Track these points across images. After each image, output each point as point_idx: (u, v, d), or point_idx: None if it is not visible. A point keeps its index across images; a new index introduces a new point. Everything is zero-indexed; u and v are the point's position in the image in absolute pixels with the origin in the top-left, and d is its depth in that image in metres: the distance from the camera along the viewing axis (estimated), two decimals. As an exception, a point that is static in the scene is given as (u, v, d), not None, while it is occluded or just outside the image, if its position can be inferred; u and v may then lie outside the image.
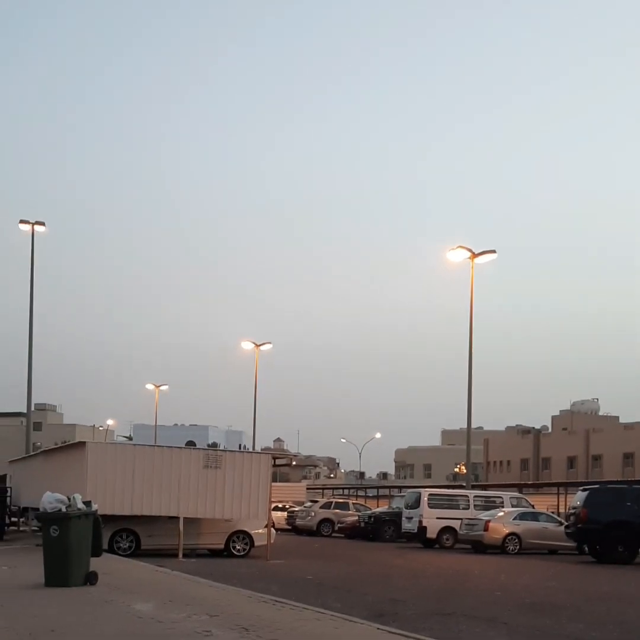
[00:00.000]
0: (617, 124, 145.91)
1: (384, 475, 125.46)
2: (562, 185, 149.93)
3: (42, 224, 40.09)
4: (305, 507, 45.87)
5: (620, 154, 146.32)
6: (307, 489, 60.85)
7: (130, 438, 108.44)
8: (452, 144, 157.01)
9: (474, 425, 40.85)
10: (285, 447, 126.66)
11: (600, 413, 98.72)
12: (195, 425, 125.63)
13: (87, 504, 14.19)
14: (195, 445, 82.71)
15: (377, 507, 47.35)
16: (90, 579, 13.68)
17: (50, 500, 13.94)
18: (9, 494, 29.72)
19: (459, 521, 32.05)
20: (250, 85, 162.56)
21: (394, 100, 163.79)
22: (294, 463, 54.91)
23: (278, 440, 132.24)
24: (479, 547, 30.45)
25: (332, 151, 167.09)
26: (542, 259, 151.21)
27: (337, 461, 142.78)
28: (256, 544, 24.66)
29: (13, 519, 31.66)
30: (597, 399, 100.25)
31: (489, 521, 30.55)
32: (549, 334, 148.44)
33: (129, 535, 23.10)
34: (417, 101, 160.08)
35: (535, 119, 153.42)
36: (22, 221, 40.07)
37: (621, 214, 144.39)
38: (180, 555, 22.14)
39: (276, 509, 41.83)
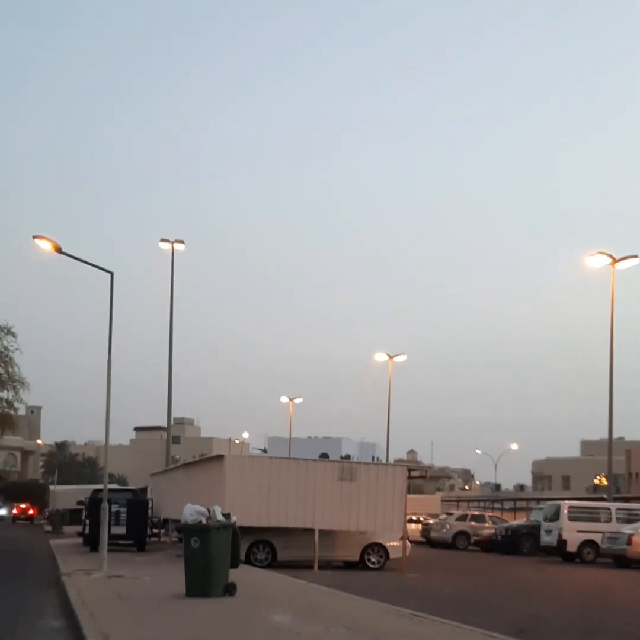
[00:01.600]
0: None
1: (521, 487, 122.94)
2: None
3: (182, 242, 41.16)
4: (440, 519, 45.38)
5: None
6: (442, 501, 60.20)
7: (265, 451, 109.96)
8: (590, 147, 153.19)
9: (615, 435, 39.57)
10: (418, 459, 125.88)
11: None
12: (329, 437, 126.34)
13: (226, 516, 14.43)
14: (329, 457, 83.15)
15: (514, 519, 46.40)
16: (230, 589, 13.90)
17: (191, 512, 14.24)
18: (150, 505, 30.57)
19: (601, 534, 31.07)
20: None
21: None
22: (428, 475, 54.42)
23: (411, 452, 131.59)
24: (622, 561, 29.43)
25: (444, 165, 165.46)
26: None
27: (472, 473, 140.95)
28: (391, 556, 24.55)
29: (154, 530, 32.51)
30: None
31: (632, 535, 29.49)
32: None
33: (266, 546, 23.39)
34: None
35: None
36: (162, 240, 41.17)
37: None
38: (316, 567, 22.26)
39: (410, 521, 41.55)
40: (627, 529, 30.35)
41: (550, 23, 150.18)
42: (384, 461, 58.92)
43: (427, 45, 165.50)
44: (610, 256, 37.39)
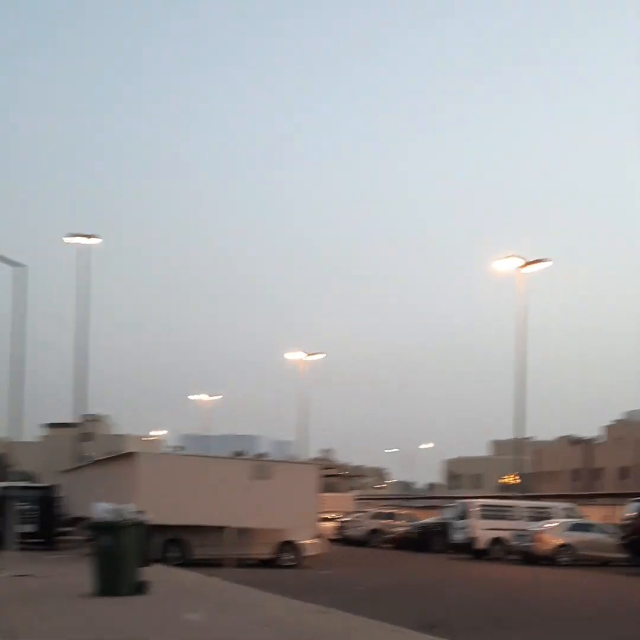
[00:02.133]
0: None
1: (433, 486, 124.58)
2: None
3: (93, 237, 40.32)
4: (354, 517, 45.68)
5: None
6: (356, 499, 60.54)
7: (179, 448, 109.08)
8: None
9: (524, 435, 40.42)
10: (333, 458, 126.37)
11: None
12: (244, 435, 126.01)
13: (138, 513, 14.28)
14: (244, 455, 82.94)
15: (427, 517, 47.00)
16: (141, 588, 13.75)
17: (102, 509, 14.06)
18: (60, 503, 30.02)
19: (510, 532, 31.69)
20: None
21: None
22: (342, 473, 54.73)
23: (326, 450, 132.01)
24: (530, 558, 30.07)
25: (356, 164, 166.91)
26: (598, 267, 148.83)
27: (386, 471, 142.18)
28: (305, 554, 24.61)
29: (65, 529, 31.94)
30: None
31: (539, 532, 30.17)
32: (604, 343, 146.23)
33: (180, 545, 23.20)
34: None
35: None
36: (72, 234, 40.30)
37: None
38: (230, 565, 22.19)
39: (325, 519, 41.74)
40: (534, 526, 31.03)
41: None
42: (298, 459, 59.00)
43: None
44: (522, 258, 38.19)
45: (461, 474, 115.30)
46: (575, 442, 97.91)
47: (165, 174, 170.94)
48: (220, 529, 22.75)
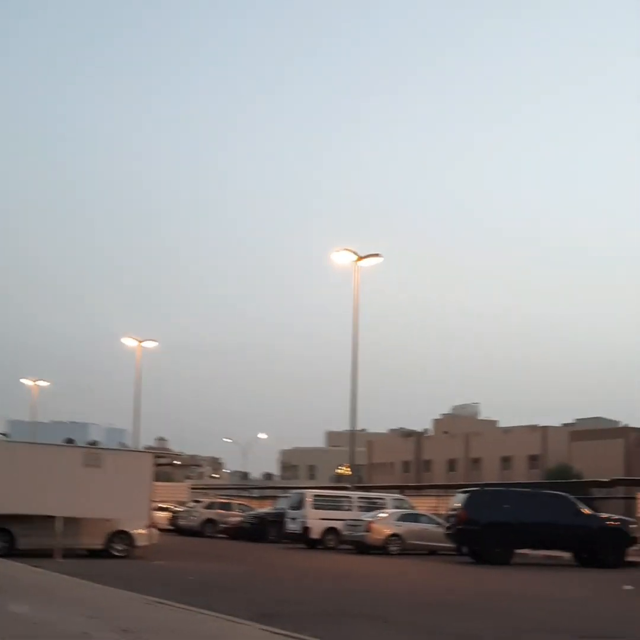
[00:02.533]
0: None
1: (269, 476, 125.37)
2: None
3: None
4: (188, 507, 45.29)
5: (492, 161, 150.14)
6: (191, 489, 60.11)
7: (5, 435, 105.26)
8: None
9: (358, 427, 41.15)
10: (168, 446, 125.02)
11: (480, 417, 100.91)
12: (75, 422, 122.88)
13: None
14: (74, 442, 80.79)
15: (262, 507, 47.17)
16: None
17: None
18: None
19: (343, 522, 32.19)
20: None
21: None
22: (177, 462, 54.22)
23: (161, 439, 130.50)
24: (362, 547, 30.66)
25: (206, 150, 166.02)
26: (430, 263, 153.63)
27: (221, 461, 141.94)
28: (138, 544, 24.15)
29: None
30: (478, 403, 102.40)
31: (371, 522, 30.79)
32: (433, 339, 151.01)
33: (4, 534, 22.33)
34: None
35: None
36: None
37: (511, 212, 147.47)
38: (58, 555, 21.51)
39: (159, 508, 41.20)
40: (367, 516, 31.65)
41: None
42: (132, 448, 57.97)
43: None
44: (355, 253, 38.87)
45: (297, 465, 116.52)
46: (406, 434, 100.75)
47: None
48: (49, 518, 22.02)
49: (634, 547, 28.21)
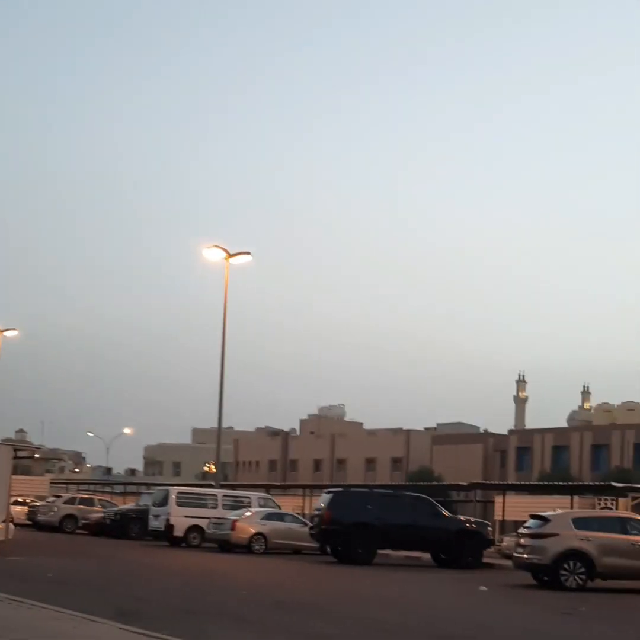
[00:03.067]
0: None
1: (132, 472, 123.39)
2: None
3: None
4: (47, 502, 44.11)
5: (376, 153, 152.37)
6: (51, 483, 58.54)
7: None
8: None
9: (224, 424, 41.01)
10: (28, 439, 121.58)
11: (346, 419, 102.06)
12: None
13: None
14: None
15: (125, 504, 46.40)
16: None
17: None
18: None
19: (207, 520, 32.00)
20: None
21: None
22: (36, 455, 52.60)
23: (20, 431, 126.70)
24: (226, 546, 30.53)
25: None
26: (302, 264, 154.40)
27: (83, 455, 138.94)
28: (-7, 539, 23.34)
29: None
30: (344, 404, 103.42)
31: (236, 521, 30.69)
32: (302, 340, 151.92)
33: None
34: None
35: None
36: None
37: (382, 211, 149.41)
38: None
39: (16, 503, 39.99)
40: (231, 515, 31.55)
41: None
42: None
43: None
44: (225, 250, 38.82)
45: (161, 461, 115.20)
46: (273, 434, 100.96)
47: None
48: None
49: (491, 549, 29.13)
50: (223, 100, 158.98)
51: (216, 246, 39.10)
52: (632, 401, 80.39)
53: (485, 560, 27.72)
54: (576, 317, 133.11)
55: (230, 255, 38.70)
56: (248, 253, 39.18)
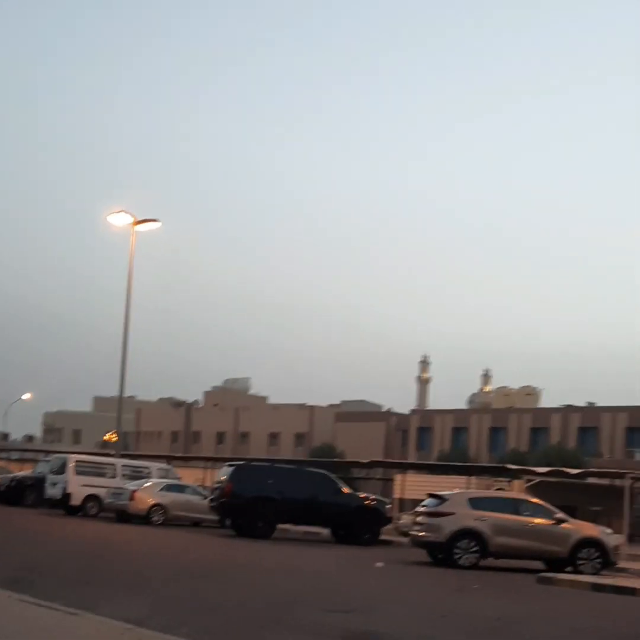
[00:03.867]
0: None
1: (30, 439, 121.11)
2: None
3: None
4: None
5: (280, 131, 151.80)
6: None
7: None
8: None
9: (126, 393, 40.52)
10: None
11: (251, 392, 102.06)
12: None
13: None
14: None
15: (21, 471, 45.49)
16: None
17: None
18: None
19: (106, 489, 31.61)
20: None
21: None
22: None
23: None
24: (124, 516, 30.25)
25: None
26: (211, 233, 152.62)
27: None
28: None
29: None
30: (249, 378, 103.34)
31: (135, 491, 30.41)
32: (208, 311, 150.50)
33: None
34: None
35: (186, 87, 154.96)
36: None
37: (294, 181, 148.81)
38: None
39: None
40: (131, 485, 31.24)
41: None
42: None
43: None
44: (133, 216, 38.22)
45: (61, 428, 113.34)
46: (176, 404, 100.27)
47: None
48: None
49: (389, 527, 29.55)
50: (137, 57, 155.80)
51: (123, 211, 38.42)
52: (529, 386, 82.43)
53: (383, 537, 28.12)
54: (480, 302, 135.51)
55: (137, 222, 38.11)
56: (155, 220, 38.67)
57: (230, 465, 28.58)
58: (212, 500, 28.21)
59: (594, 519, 27.47)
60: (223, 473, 28.28)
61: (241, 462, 30.59)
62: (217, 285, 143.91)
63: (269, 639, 8.76)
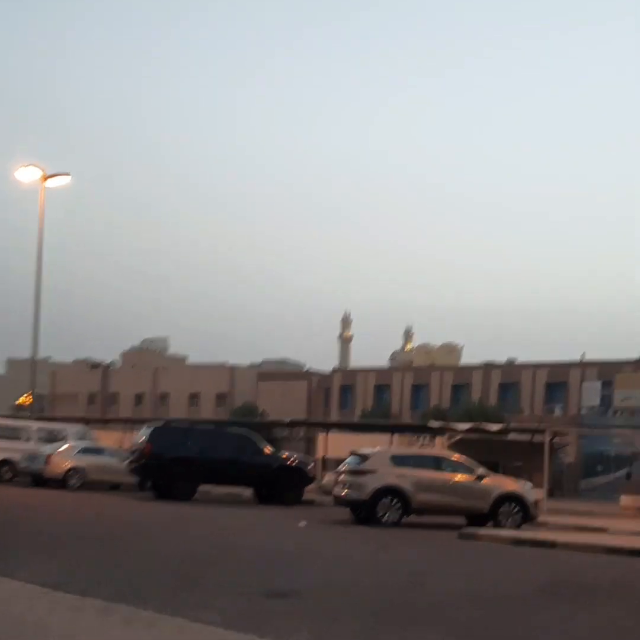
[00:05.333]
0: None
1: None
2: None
3: None
4: None
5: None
6: None
7: None
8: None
9: (41, 355, 39.48)
10: None
11: (170, 352, 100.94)
12: None
13: None
14: None
15: None
16: None
17: None
18: None
19: (20, 453, 30.78)
20: None
21: None
22: None
23: None
24: (40, 481, 29.52)
25: None
26: (125, 189, 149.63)
27: None
28: None
29: None
30: (167, 337, 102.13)
31: (50, 454, 29.68)
32: (124, 270, 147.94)
33: None
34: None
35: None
36: None
37: (210, 137, 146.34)
38: None
39: None
40: (47, 448, 30.46)
41: None
42: None
43: None
44: (43, 170, 37.07)
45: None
46: (92, 366, 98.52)
47: None
48: None
49: (312, 486, 29.40)
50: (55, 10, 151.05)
51: (32, 165, 37.12)
52: (451, 343, 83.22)
53: (307, 497, 27.95)
54: (403, 262, 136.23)
55: (47, 176, 36.89)
56: (67, 174, 37.55)
57: (149, 426, 28.01)
58: (130, 462, 27.62)
59: (515, 474, 27.73)
60: (142, 434, 27.70)
61: (160, 423, 30.03)
62: (133, 246, 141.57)
63: (187, 600, 8.40)
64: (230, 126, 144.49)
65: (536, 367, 66.45)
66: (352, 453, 22.35)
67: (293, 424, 41.76)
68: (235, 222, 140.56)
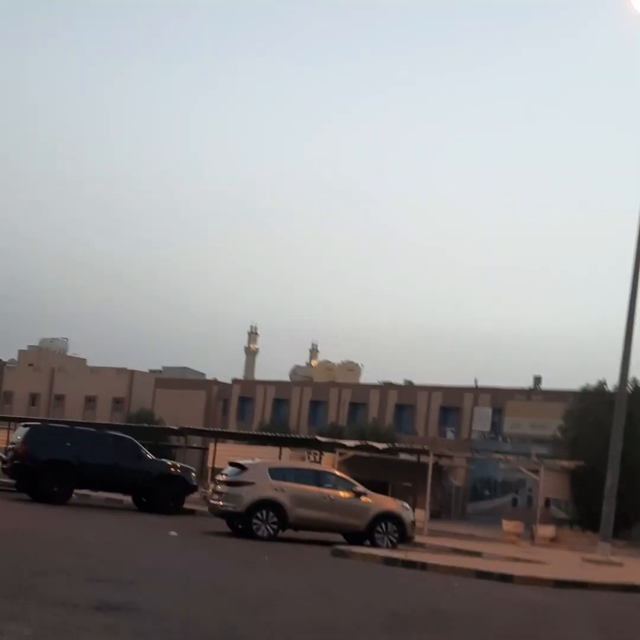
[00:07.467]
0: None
1: None
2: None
3: None
4: None
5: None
6: None
7: None
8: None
9: None
10: None
11: (69, 354, 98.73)
12: None
13: None
14: None
15: None
16: None
17: None
18: None
19: None
20: None
21: None
22: None
23: None
24: None
25: None
26: (51, 179, 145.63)
27: None
28: None
29: None
30: (67, 338, 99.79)
31: None
32: (28, 266, 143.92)
33: None
34: None
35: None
36: None
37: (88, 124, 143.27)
38: None
39: None
40: None
41: None
42: None
43: None
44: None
45: None
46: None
47: None
48: None
49: (195, 495, 28.74)
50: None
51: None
52: (352, 361, 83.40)
53: (188, 506, 27.28)
54: (312, 277, 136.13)
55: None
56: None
57: (25, 426, 27.00)
58: (4, 462, 26.57)
59: (404, 494, 27.65)
60: (18, 434, 26.68)
61: (37, 423, 29.00)
62: (30, 240, 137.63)
63: (6, 611, 7.77)
64: (124, 134, 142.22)
65: (432, 389, 66.94)
66: (231, 463, 21.86)
67: (182, 431, 40.91)
68: (144, 233, 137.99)
